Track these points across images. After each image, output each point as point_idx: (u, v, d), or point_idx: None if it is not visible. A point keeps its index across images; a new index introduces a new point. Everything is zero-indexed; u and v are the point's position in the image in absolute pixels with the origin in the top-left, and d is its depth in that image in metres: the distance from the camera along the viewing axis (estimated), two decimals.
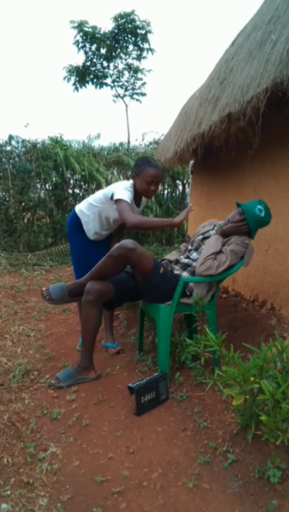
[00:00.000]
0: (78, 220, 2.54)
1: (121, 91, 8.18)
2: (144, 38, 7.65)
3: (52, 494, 1.41)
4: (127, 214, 2.20)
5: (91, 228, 2.54)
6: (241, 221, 2.24)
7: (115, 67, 7.95)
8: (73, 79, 7.91)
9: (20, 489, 1.42)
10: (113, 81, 8.06)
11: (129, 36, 7.63)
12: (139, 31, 7.52)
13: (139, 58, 7.93)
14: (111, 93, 11.88)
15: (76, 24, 7.30)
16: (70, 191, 7.63)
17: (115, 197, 2.27)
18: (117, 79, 8.05)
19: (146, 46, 7.75)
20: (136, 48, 7.83)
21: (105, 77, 7.96)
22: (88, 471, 1.52)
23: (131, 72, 8.03)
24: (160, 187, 8.24)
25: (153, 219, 2.27)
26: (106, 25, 13.09)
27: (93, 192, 7.66)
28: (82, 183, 7.59)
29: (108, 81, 8.04)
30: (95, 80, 7.91)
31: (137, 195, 2.45)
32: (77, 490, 1.43)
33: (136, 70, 8.00)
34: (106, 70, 7.95)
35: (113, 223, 2.54)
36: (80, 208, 2.54)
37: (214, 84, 3.03)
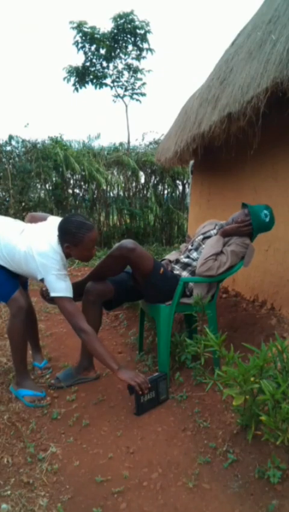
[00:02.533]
0: None
1: (121, 91, 8.18)
2: (144, 38, 7.65)
3: (52, 494, 1.41)
4: (76, 320, 1.88)
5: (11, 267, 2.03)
6: (245, 222, 2.24)
7: (115, 67, 7.94)
8: (72, 79, 7.90)
9: (20, 489, 1.42)
10: (113, 81, 8.06)
11: (129, 36, 7.63)
12: (138, 31, 7.51)
13: (138, 58, 7.92)
14: (110, 93, 11.87)
15: (75, 24, 7.30)
16: (70, 191, 7.63)
17: (51, 293, 1.90)
18: (117, 79, 8.04)
19: (145, 46, 7.74)
20: (135, 48, 7.82)
21: (105, 77, 7.95)
22: (88, 471, 1.52)
23: (131, 72, 8.02)
24: (160, 187, 8.25)
25: (102, 351, 1.85)
26: (106, 25, 13.08)
27: (93, 192, 7.71)
28: (82, 183, 7.60)
29: (108, 81, 8.03)
30: (95, 80, 7.91)
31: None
32: (77, 490, 1.43)
33: (136, 70, 7.99)
34: (105, 70, 7.94)
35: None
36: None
37: (214, 84, 3.03)
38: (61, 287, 1.88)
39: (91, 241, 1.93)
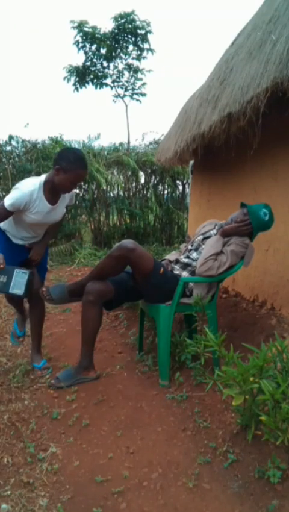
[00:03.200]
0: None
1: (121, 91, 8.17)
2: (144, 38, 7.64)
3: (52, 494, 1.41)
4: None
5: (15, 235, 2.30)
6: (245, 222, 2.24)
7: (115, 67, 7.94)
8: (73, 79, 7.90)
9: (20, 489, 1.42)
10: (113, 81, 8.05)
11: (129, 36, 7.62)
12: (139, 31, 7.51)
13: (139, 58, 7.92)
14: (111, 93, 11.87)
15: (76, 24, 7.30)
16: None
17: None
18: (117, 79, 8.04)
19: (145, 46, 7.74)
20: (136, 48, 7.82)
21: (105, 77, 7.95)
22: (88, 471, 1.52)
23: (131, 72, 8.02)
24: (160, 187, 8.24)
25: None
26: (106, 25, 13.08)
27: (93, 192, 7.70)
28: (82, 183, 7.58)
29: (108, 81, 8.03)
30: (95, 80, 7.90)
31: (50, 191, 2.16)
32: (77, 490, 1.43)
33: (136, 70, 7.99)
34: (106, 70, 7.93)
35: (36, 228, 2.30)
36: None
37: (214, 84, 3.03)
38: (10, 198, 2.05)
39: (79, 176, 2.10)
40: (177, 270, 2.33)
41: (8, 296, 2.46)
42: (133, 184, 7.92)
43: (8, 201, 2.04)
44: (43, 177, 2.16)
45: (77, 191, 7.77)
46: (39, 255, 2.38)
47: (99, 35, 7.41)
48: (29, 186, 2.10)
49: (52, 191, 2.16)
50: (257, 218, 2.23)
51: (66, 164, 2.04)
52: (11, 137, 6.55)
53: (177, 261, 2.41)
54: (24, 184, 2.12)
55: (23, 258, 2.35)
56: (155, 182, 8.13)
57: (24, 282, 1.98)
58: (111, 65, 7.91)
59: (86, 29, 7.33)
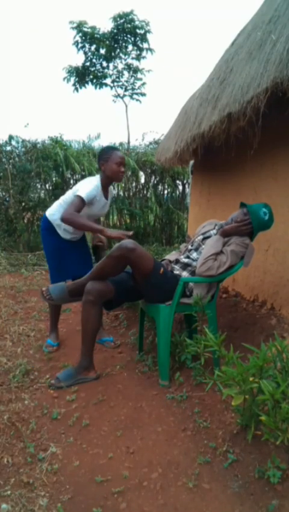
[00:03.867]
0: (50, 224, 2.60)
1: (121, 91, 8.18)
2: (144, 38, 7.65)
3: (52, 494, 1.41)
4: (69, 208, 2.33)
5: (66, 228, 2.57)
6: (245, 221, 2.24)
7: (115, 67, 7.94)
8: (72, 79, 7.91)
9: (20, 489, 1.42)
10: (113, 81, 8.06)
11: (128, 36, 7.63)
12: (138, 31, 7.51)
13: (138, 58, 7.92)
14: (110, 93, 11.88)
15: (75, 24, 7.30)
16: None
17: (76, 194, 2.38)
18: (117, 79, 8.04)
19: (145, 46, 7.75)
20: (135, 48, 7.82)
21: (105, 77, 7.95)
22: (88, 471, 1.52)
23: (131, 72, 8.03)
24: (160, 187, 8.24)
25: (85, 221, 2.35)
26: (106, 25, 13.10)
27: None
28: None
29: (108, 81, 8.04)
30: (95, 80, 7.91)
31: (105, 186, 2.54)
32: (77, 490, 1.43)
33: (136, 70, 8.00)
34: (105, 70, 7.94)
35: (88, 219, 2.54)
36: (51, 212, 2.61)
37: (214, 84, 3.03)
38: (85, 190, 2.38)
39: (118, 156, 2.46)
40: (177, 270, 2.33)
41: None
42: (133, 184, 7.92)
43: (83, 194, 2.35)
44: (98, 176, 2.55)
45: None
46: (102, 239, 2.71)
47: (98, 35, 7.42)
48: (95, 182, 2.48)
49: (105, 187, 2.55)
50: (257, 218, 2.23)
51: (104, 156, 2.48)
52: (11, 137, 6.55)
53: (177, 261, 2.41)
54: (91, 180, 2.50)
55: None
56: (155, 182, 8.13)
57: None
58: (111, 65, 7.92)
59: (85, 29, 7.34)
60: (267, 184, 2.91)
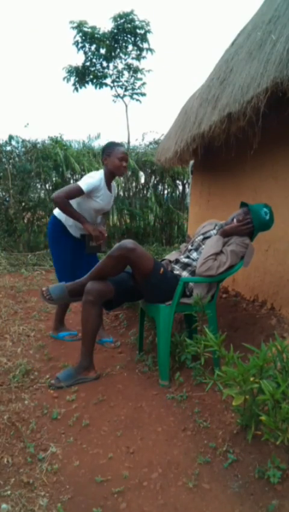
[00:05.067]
0: (60, 223, 2.65)
1: (121, 91, 8.16)
2: (144, 38, 7.63)
3: (52, 494, 1.41)
4: (63, 189, 2.48)
5: (74, 224, 2.66)
6: (245, 221, 2.24)
7: (115, 67, 7.93)
8: (72, 79, 7.89)
9: (20, 489, 1.42)
10: (113, 81, 8.04)
11: (129, 36, 7.61)
12: (138, 31, 7.49)
13: (138, 58, 7.91)
14: (110, 93, 11.87)
15: (75, 24, 7.29)
16: None
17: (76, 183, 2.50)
18: (117, 79, 8.03)
19: (145, 46, 7.73)
20: (135, 48, 7.81)
21: (105, 77, 7.94)
22: (88, 471, 1.52)
23: (131, 72, 8.01)
24: (160, 187, 8.25)
25: (73, 210, 2.50)
26: (106, 25, 13.09)
27: None
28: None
29: (108, 81, 8.02)
30: (95, 80, 7.89)
31: (108, 180, 2.63)
32: (77, 490, 1.43)
33: (136, 70, 7.98)
34: (105, 70, 7.92)
35: (95, 214, 2.70)
36: (58, 210, 2.65)
37: (214, 84, 3.03)
38: (85, 182, 2.50)
39: (120, 151, 2.55)
40: (177, 270, 2.33)
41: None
42: (133, 184, 7.92)
43: (83, 184, 2.47)
44: (101, 170, 2.64)
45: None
46: (104, 231, 2.73)
47: (98, 35, 7.40)
48: (98, 175, 2.58)
49: (108, 182, 2.63)
50: (258, 218, 2.23)
51: (107, 150, 2.58)
52: (11, 137, 6.56)
53: (177, 261, 2.41)
54: (95, 174, 2.60)
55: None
56: (155, 182, 8.13)
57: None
58: (111, 65, 7.90)
59: (85, 29, 7.32)
60: (267, 184, 2.91)
